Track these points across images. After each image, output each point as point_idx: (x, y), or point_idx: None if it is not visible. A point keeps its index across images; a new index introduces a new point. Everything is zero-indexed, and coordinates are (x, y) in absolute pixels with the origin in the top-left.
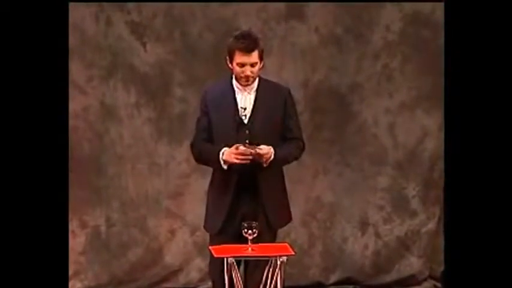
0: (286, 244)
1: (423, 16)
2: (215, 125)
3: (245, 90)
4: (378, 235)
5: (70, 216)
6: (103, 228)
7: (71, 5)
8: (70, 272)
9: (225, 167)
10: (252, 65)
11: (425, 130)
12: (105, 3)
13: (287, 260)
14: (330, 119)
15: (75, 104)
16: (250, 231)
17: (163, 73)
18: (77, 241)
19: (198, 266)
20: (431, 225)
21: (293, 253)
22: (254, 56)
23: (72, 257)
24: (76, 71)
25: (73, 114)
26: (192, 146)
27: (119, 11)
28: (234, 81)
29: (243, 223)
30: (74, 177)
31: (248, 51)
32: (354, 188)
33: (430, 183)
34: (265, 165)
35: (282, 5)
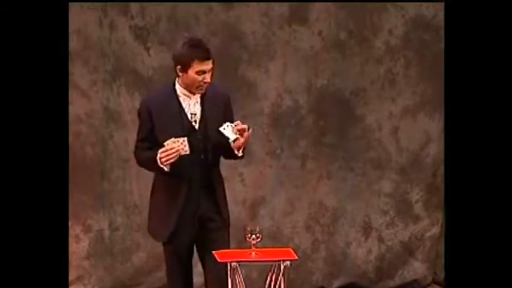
0: (290, 249)
1: (426, 20)
2: (161, 132)
3: (193, 96)
4: (381, 240)
5: (74, 220)
6: (107, 233)
7: (75, 9)
8: (73, 276)
9: (166, 169)
10: (210, 71)
11: (428, 135)
12: (108, 8)
13: (290, 264)
14: (333, 123)
15: (78, 108)
16: (253, 236)
17: (166, 77)
18: (80, 245)
19: (201, 270)
20: (434, 230)
21: (296, 258)
22: (211, 62)
23: (75, 261)
24: (80, 75)
25: (76, 119)
26: (135, 155)
27: (123, 15)
28: (179, 88)
29: (246, 228)
30: (78, 181)
31: (208, 58)
32: (357, 193)
33: (433, 188)
34: (240, 152)
35: (285, 9)
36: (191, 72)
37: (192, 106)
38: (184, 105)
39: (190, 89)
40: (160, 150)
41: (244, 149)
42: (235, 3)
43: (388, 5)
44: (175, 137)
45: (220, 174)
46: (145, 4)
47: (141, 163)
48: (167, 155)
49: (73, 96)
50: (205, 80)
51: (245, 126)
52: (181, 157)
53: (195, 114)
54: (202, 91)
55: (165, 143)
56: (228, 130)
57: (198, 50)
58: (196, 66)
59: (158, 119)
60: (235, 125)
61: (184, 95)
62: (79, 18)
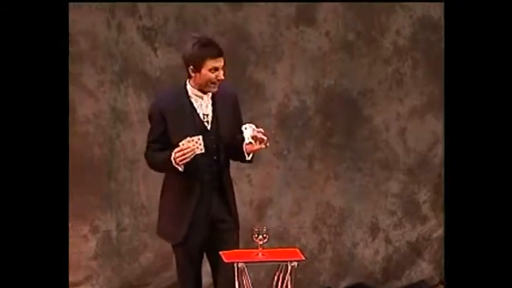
0: (297, 249)
1: (433, 21)
2: (174, 133)
3: (204, 96)
4: (388, 240)
5: (81, 221)
6: (114, 233)
7: (83, 10)
8: (81, 277)
9: (180, 169)
10: (222, 68)
11: (436, 135)
12: (116, 9)
13: (297, 265)
14: (340, 124)
15: (86, 109)
16: (260, 237)
17: (174, 78)
18: (88, 246)
19: (209, 270)
20: (441, 231)
21: (303, 258)
22: (223, 59)
23: (83, 261)
24: (87, 76)
25: (84, 119)
26: (146, 157)
27: (131, 16)
28: (191, 89)
29: (253, 228)
30: (85, 182)
31: (220, 55)
32: (365, 193)
33: (440, 189)
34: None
35: (292, 10)
36: (204, 71)
37: (204, 107)
38: (196, 105)
39: (204, 88)
40: (175, 150)
41: (253, 155)
42: (244, 4)
43: (396, 5)
44: (189, 137)
45: (229, 176)
46: (153, 4)
47: (152, 164)
48: (183, 154)
49: (81, 96)
50: (219, 77)
51: (264, 137)
52: (195, 157)
53: (207, 115)
54: (216, 89)
55: (180, 143)
56: (248, 131)
57: (210, 48)
58: (209, 64)
59: (171, 121)
60: (257, 131)
61: (196, 95)
62: (87, 19)
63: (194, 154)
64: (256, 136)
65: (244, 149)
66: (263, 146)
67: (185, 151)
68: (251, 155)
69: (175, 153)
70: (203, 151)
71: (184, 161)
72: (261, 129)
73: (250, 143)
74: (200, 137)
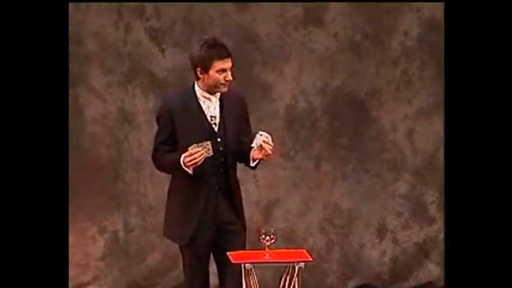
0: (304, 250)
1: (441, 22)
2: (182, 135)
3: (212, 98)
4: (396, 241)
5: (89, 222)
6: (121, 234)
7: (91, 11)
8: (89, 277)
9: (190, 171)
10: (230, 69)
11: (443, 136)
12: (124, 10)
13: (305, 266)
14: (348, 125)
15: (93, 109)
16: (267, 238)
17: (181, 79)
18: (95, 246)
19: (215, 271)
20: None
21: (311, 259)
22: (231, 60)
23: (91, 262)
24: (95, 77)
25: (91, 120)
26: (153, 159)
27: (138, 17)
28: (199, 90)
29: (260, 229)
30: (93, 182)
31: (228, 56)
32: (372, 194)
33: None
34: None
35: (300, 10)
36: (212, 72)
37: (212, 109)
38: (204, 107)
39: (213, 89)
40: (184, 155)
41: (258, 163)
42: (250, 5)
43: (404, 6)
44: (196, 140)
45: (236, 177)
46: (160, 5)
47: (160, 166)
48: (193, 159)
49: (88, 97)
50: (227, 78)
51: (269, 151)
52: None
53: (215, 117)
54: (226, 89)
55: (189, 148)
56: (260, 138)
57: (217, 49)
58: (217, 65)
59: (179, 122)
60: (267, 142)
61: (204, 97)
62: (95, 20)
63: (204, 158)
64: (261, 144)
65: (251, 155)
66: (264, 157)
67: (195, 155)
68: (256, 162)
69: (185, 157)
70: (212, 154)
71: (194, 165)
72: (271, 144)
73: (256, 149)
74: (209, 142)
